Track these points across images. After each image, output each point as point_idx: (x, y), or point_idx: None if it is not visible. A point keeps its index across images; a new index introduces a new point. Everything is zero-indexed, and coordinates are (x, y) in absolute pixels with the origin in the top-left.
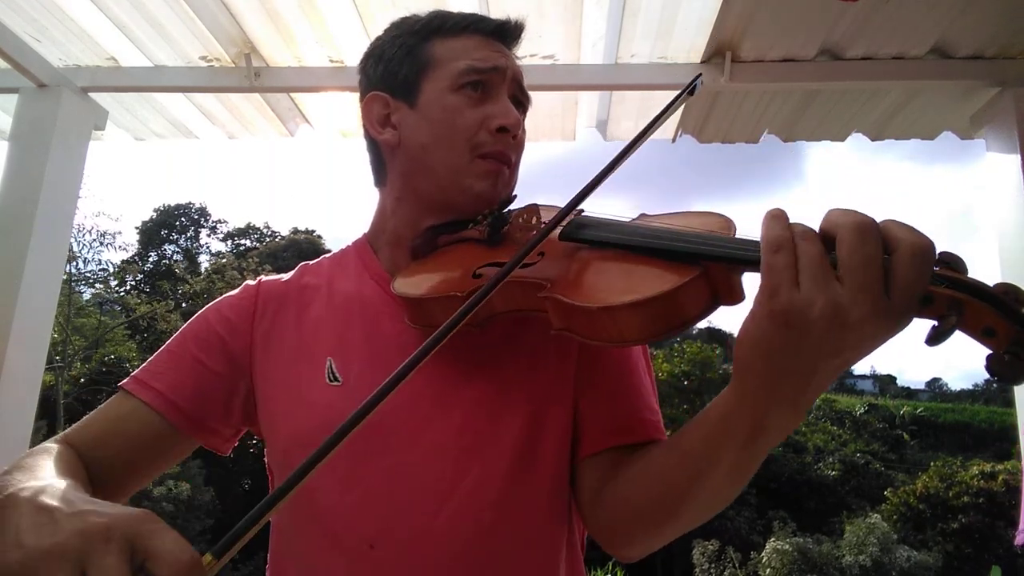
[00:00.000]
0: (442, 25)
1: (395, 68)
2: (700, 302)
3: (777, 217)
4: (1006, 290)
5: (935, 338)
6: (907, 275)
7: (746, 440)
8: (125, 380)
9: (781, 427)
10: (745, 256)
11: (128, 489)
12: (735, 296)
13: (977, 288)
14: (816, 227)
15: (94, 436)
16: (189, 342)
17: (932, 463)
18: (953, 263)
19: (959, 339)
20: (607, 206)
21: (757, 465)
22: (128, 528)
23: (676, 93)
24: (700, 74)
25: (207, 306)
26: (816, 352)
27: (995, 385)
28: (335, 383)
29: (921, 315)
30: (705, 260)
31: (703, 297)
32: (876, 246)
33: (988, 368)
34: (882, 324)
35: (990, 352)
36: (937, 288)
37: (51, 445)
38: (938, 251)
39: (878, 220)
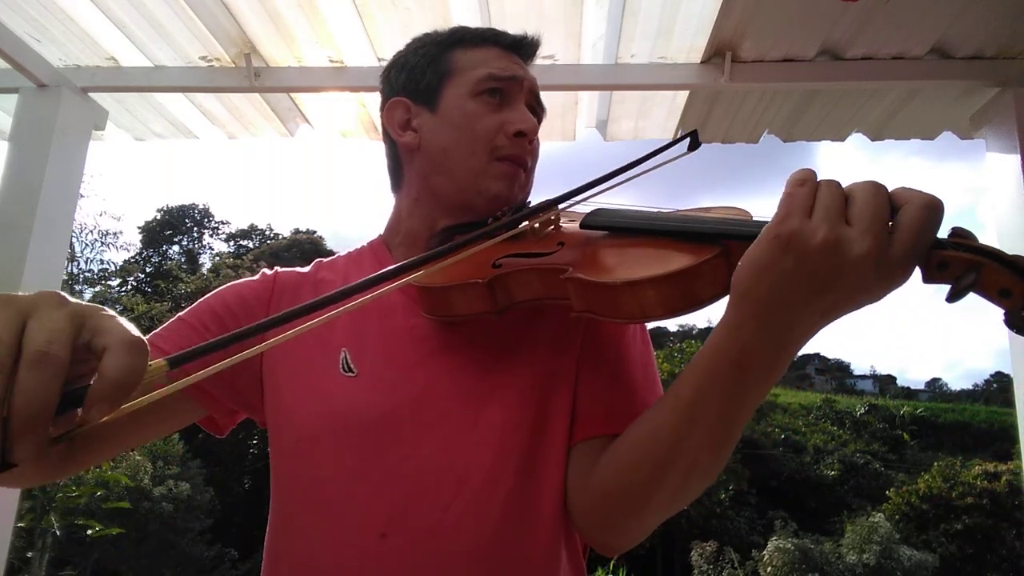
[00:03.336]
0: (464, 37)
1: (418, 75)
2: (720, 280)
3: (806, 169)
4: (1018, 257)
5: (955, 295)
6: (912, 224)
7: (732, 378)
8: None
9: (765, 368)
10: None
11: (119, 443)
12: None
13: (993, 252)
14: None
15: None
16: (204, 314)
17: (935, 463)
18: (965, 234)
19: (970, 318)
20: (612, 204)
21: (741, 421)
22: (85, 307)
23: (669, 144)
24: (695, 130)
25: (224, 285)
26: (809, 283)
27: (995, 385)
28: (349, 374)
29: (938, 279)
30: (725, 239)
31: (723, 275)
32: (885, 199)
33: (1007, 322)
34: (878, 270)
35: (1007, 311)
36: (955, 252)
37: None
38: (952, 226)
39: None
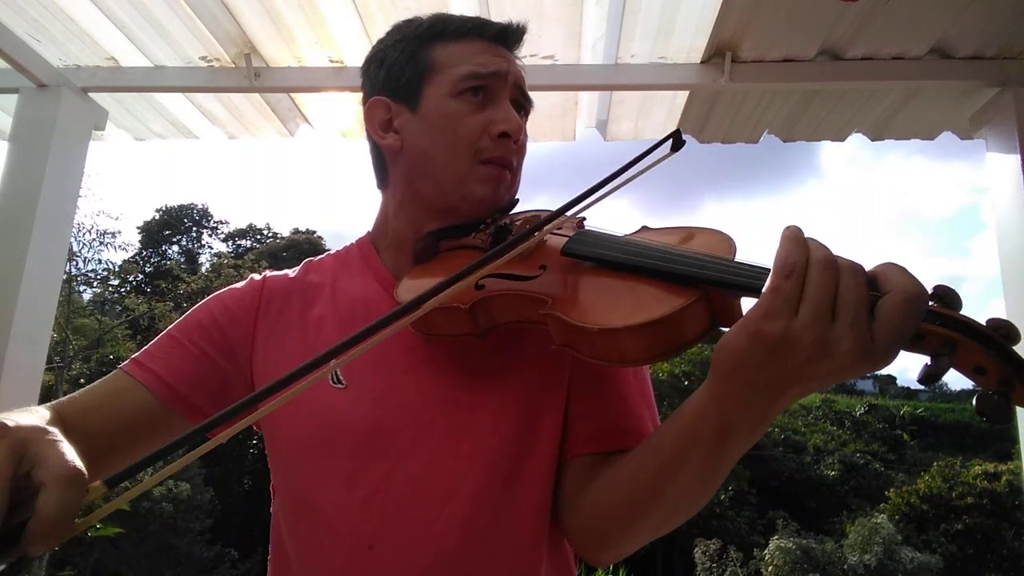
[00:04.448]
0: (444, 29)
1: (397, 73)
2: (699, 325)
3: (796, 240)
4: (997, 326)
5: (928, 378)
6: (892, 318)
7: (713, 442)
8: (125, 362)
9: (747, 434)
10: (745, 283)
11: (110, 464)
12: (734, 319)
13: (970, 327)
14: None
15: (83, 407)
16: (191, 328)
17: (935, 463)
18: (948, 298)
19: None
20: (614, 206)
21: (724, 471)
22: (25, 434)
23: (655, 146)
24: (678, 129)
25: (211, 295)
26: (793, 377)
27: None
28: (338, 385)
29: (914, 350)
30: (705, 284)
31: (702, 320)
32: (864, 288)
33: (977, 408)
34: (863, 361)
35: (980, 391)
36: (931, 326)
37: (37, 407)
38: (934, 284)
39: (883, 261)
